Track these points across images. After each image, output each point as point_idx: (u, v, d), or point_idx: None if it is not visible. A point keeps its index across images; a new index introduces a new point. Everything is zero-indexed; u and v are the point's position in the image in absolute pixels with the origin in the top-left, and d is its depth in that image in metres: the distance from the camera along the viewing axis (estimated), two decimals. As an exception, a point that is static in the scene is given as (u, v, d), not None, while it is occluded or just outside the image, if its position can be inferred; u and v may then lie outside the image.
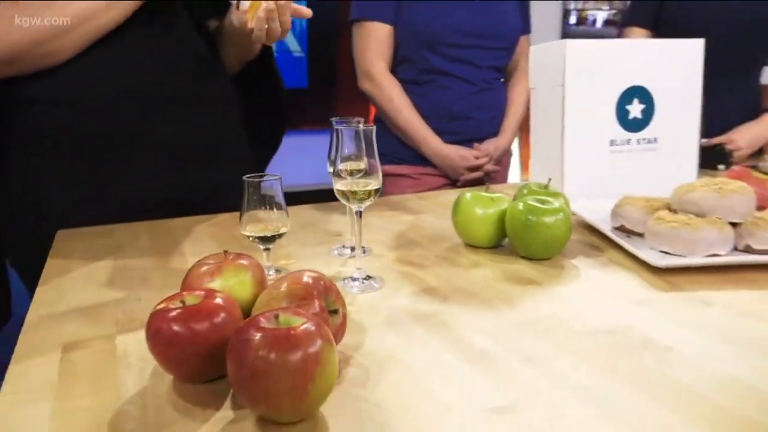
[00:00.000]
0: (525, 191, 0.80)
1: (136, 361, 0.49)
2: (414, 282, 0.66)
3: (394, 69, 1.45)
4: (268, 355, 0.38)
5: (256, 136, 1.13)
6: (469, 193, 0.78)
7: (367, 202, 0.64)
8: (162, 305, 0.45)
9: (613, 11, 4.74)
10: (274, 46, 1.13)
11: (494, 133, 1.49)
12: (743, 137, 1.37)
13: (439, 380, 0.45)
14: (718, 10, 1.40)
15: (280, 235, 0.67)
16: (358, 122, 0.74)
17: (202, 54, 1.00)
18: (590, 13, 4.74)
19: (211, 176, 1.01)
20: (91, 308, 0.60)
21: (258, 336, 0.39)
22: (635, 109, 0.96)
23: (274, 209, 0.67)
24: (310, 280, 0.48)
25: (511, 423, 0.39)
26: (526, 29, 1.54)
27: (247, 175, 0.66)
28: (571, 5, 4.71)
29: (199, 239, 0.84)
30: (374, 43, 1.42)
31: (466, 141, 1.45)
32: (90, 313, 0.58)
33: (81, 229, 0.88)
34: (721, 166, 1.29)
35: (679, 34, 1.47)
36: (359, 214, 0.65)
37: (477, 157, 1.43)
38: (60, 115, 0.90)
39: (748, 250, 0.69)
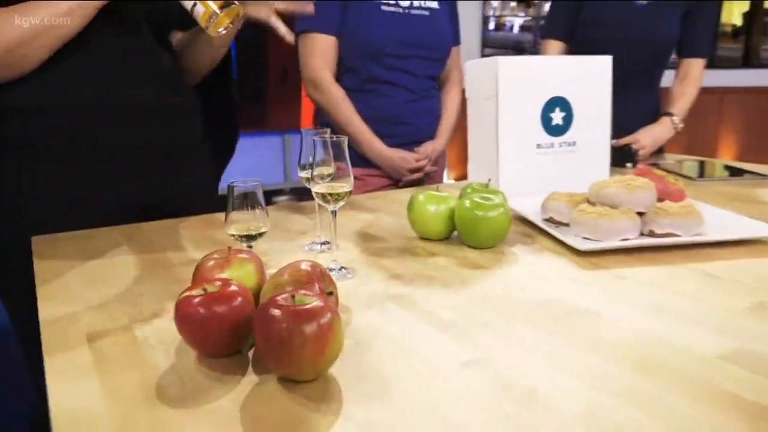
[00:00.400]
0: (469, 190, 0.92)
1: (157, 344, 0.57)
2: (381, 270, 0.76)
3: (339, 78, 1.55)
4: (291, 327, 0.47)
5: (215, 143, 1.20)
6: (421, 194, 0.89)
7: (341, 202, 0.74)
8: (186, 293, 0.53)
9: (528, 17, 5.02)
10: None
11: (431, 136, 1.62)
12: (646, 138, 1.57)
13: (417, 344, 0.56)
14: (622, 30, 1.59)
15: (261, 234, 0.76)
16: (325, 132, 0.84)
17: (166, 65, 1.06)
18: (507, 20, 5.01)
19: (177, 182, 1.08)
20: (101, 304, 0.66)
21: (281, 312, 0.48)
22: (557, 117, 1.11)
23: (256, 210, 0.75)
24: (309, 268, 0.58)
25: (478, 372, 0.51)
26: (456, 41, 1.67)
27: (232, 181, 0.74)
28: (490, 12, 4.96)
29: (176, 239, 0.91)
30: (320, 53, 1.51)
31: (407, 144, 1.57)
32: (100, 308, 0.65)
33: (56, 235, 0.93)
34: (628, 164, 1.47)
35: (589, 48, 1.65)
36: (334, 213, 0.75)
37: (417, 160, 1.56)
38: (29, 124, 0.94)
39: (651, 234, 0.84)
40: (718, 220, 0.88)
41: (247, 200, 0.74)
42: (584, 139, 1.14)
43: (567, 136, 1.12)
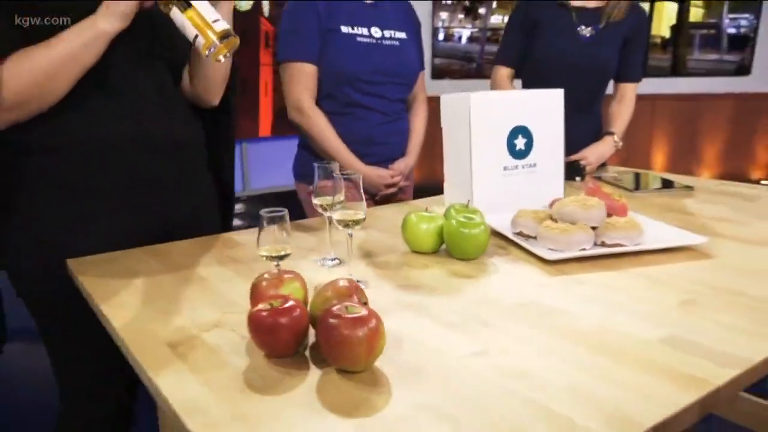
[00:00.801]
0: (452, 210, 1.09)
1: (229, 349, 0.71)
2: (389, 282, 0.92)
3: (318, 102, 1.69)
4: (349, 331, 0.62)
5: (217, 170, 1.32)
6: (413, 215, 1.06)
7: (358, 227, 0.89)
8: (256, 308, 0.68)
9: (476, 29, 5.27)
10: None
11: (402, 153, 1.79)
12: (592, 155, 1.78)
13: (434, 341, 0.72)
14: (569, 59, 1.79)
15: (287, 255, 0.90)
16: (332, 166, 0.98)
17: (181, 100, 1.18)
18: (456, 31, 5.24)
19: (187, 204, 1.20)
20: (164, 317, 0.80)
21: (339, 320, 0.63)
22: (520, 143, 1.29)
23: (283, 233, 0.89)
24: (347, 283, 0.73)
25: (483, 359, 0.67)
26: (422, 66, 1.85)
27: (262, 210, 0.88)
28: (439, 24, 5.18)
29: (200, 258, 1.04)
30: (302, 80, 1.65)
31: (382, 162, 1.73)
32: (166, 321, 0.78)
33: (89, 258, 1.04)
34: (578, 178, 1.68)
35: (539, 74, 1.86)
36: (351, 234, 0.90)
37: (392, 176, 1.72)
38: (56, 161, 1.05)
39: (603, 244, 1.03)
40: (655, 231, 1.08)
41: (275, 226, 0.89)
42: (542, 161, 1.33)
43: (528, 159, 1.31)
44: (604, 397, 0.59)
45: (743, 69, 5.40)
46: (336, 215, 0.89)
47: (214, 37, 1.01)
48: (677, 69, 5.39)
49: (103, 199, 1.09)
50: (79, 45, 0.98)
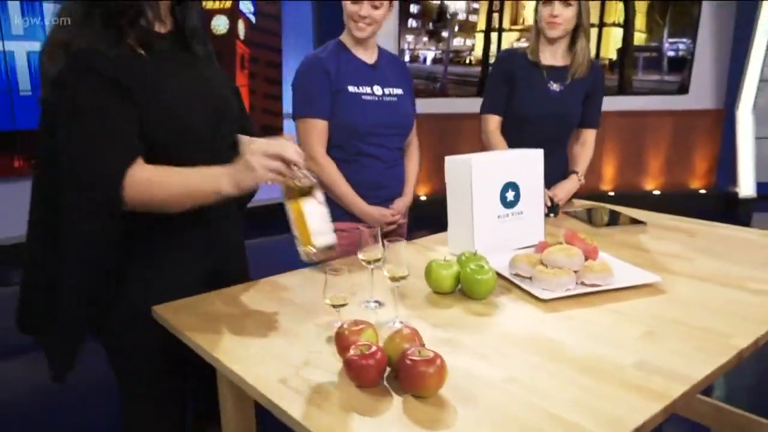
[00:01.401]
0: (463, 257, 1.36)
1: (328, 380, 0.96)
2: (424, 321, 1.19)
3: (329, 151, 1.94)
4: (423, 369, 0.89)
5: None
6: (434, 263, 1.33)
7: (403, 281, 1.16)
8: (350, 354, 0.93)
9: (439, 51, 5.59)
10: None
11: (400, 193, 2.06)
12: (561, 192, 2.10)
13: (471, 368, 0.99)
14: (541, 109, 2.10)
15: (346, 304, 1.15)
16: (375, 232, 1.24)
17: None
18: (421, 53, 5.55)
19: (233, 257, 1.44)
20: (265, 354, 1.04)
21: (414, 362, 0.90)
22: (510, 195, 1.58)
23: (342, 290, 1.15)
24: (409, 330, 0.99)
25: (509, 383, 0.95)
26: (415, 114, 2.12)
27: (328, 267, 1.13)
28: (405, 46, 5.48)
29: (264, 301, 1.28)
30: (315, 134, 1.90)
31: (383, 202, 2.00)
32: (266, 359, 1.03)
33: (172, 304, 1.27)
34: (552, 215, 1.99)
35: (518, 121, 2.15)
36: (396, 288, 1.17)
37: (392, 214, 1.99)
38: (152, 235, 1.26)
39: (583, 284, 1.32)
40: (621, 271, 1.38)
41: (336, 280, 1.14)
42: (527, 209, 1.62)
43: (516, 208, 1.60)
44: (597, 407, 0.88)
45: (682, 88, 5.90)
46: (386, 272, 1.15)
47: (312, 248, 1.16)
48: (623, 88, 5.85)
49: (183, 261, 1.31)
50: (196, 192, 1.16)
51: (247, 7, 5.00)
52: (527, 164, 1.61)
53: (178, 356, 1.27)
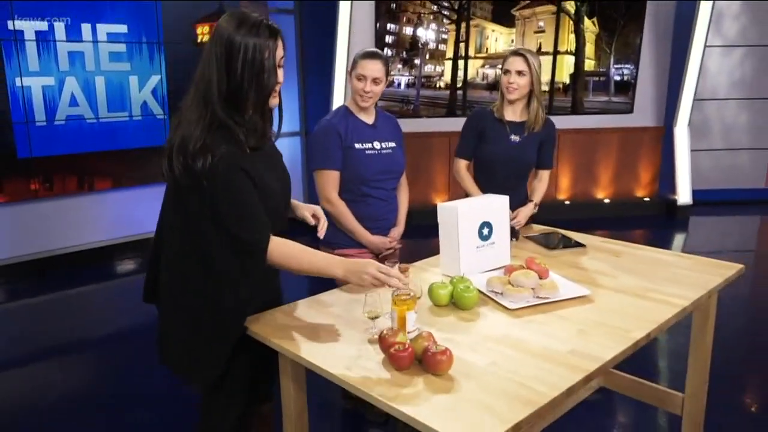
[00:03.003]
0: (455, 279, 1.91)
1: (378, 368, 1.49)
2: (430, 326, 1.73)
3: (340, 194, 2.48)
4: (441, 357, 1.44)
5: None
6: (434, 284, 1.87)
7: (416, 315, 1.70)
8: (392, 349, 1.47)
9: (412, 77, 6.15)
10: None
11: (394, 224, 2.61)
12: (521, 215, 2.68)
13: (468, 357, 1.54)
14: (504, 155, 2.68)
15: (381, 315, 1.68)
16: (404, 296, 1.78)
17: None
18: (396, 78, 6.11)
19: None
20: (330, 353, 1.56)
21: (433, 353, 1.44)
22: (485, 231, 2.14)
23: (376, 301, 1.68)
24: (427, 333, 1.54)
25: (492, 366, 1.50)
26: (405, 162, 2.67)
27: (365, 292, 1.67)
28: (381, 72, 6.01)
29: (319, 314, 1.80)
30: (331, 181, 2.44)
31: (383, 231, 2.54)
32: (334, 355, 1.55)
33: (258, 316, 1.77)
34: (514, 239, 2.56)
35: (486, 164, 2.72)
36: (416, 313, 1.71)
37: (390, 242, 2.54)
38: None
39: (538, 297, 1.89)
40: (564, 287, 1.95)
41: (374, 302, 1.67)
42: (498, 241, 2.18)
43: (490, 240, 2.16)
44: (546, 378, 1.43)
45: (627, 108, 6.60)
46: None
47: (403, 336, 1.61)
48: (576, 108, 6.52)
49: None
50: (318, 272, 1.66)
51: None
52: (497, 208, 2.18)
53: (246, 356, 1.79)
